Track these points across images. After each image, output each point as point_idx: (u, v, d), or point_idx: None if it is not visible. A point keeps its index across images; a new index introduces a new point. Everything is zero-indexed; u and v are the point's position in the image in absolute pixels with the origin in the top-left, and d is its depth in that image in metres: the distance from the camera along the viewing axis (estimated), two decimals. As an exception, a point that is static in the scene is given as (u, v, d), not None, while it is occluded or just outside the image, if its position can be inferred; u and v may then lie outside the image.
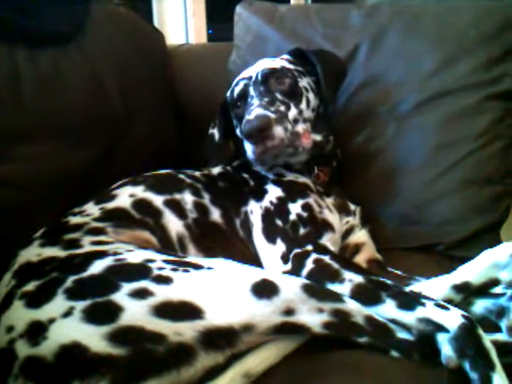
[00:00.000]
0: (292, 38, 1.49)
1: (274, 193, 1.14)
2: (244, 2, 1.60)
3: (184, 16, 2.48)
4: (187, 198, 1.12)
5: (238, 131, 1.28)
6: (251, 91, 1.18)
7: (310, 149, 1.16)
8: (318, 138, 1.23)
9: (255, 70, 1.23)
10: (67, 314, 0.73)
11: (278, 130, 1.06)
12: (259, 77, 1.19)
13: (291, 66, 1.24)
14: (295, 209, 1.09)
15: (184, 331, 0.73)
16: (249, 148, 1.10)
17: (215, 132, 1.32)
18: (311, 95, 1.22)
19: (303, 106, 1.18)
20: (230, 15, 1.63)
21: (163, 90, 1.63)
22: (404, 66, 1.36)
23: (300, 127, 1.14)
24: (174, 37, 2.39)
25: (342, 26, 1.46)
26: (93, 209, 1.04)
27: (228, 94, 1.30)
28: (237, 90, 1.23)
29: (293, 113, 1.14)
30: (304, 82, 1.23)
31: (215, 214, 1.12)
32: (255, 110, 1.07)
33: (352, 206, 1.24)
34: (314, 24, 1.49)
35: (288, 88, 1.18)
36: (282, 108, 1.12)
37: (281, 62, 1.25)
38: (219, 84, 1.61)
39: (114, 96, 1.38)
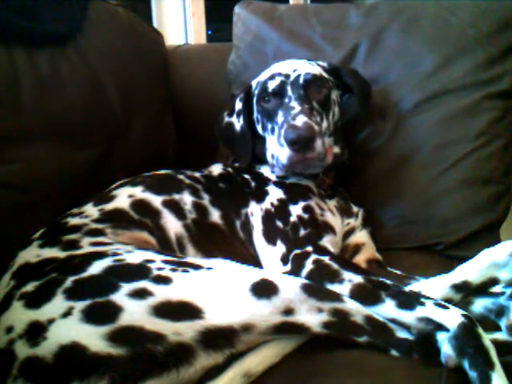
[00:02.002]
0: (291, 37, 1.49)
1: (275, 194, 1.14)
2: (243, 2, 1.60)
3: (183, 17, 2.49)
4: (186, 199, 1.12)
5: (258, 127, 1.24)
6: (289, 91, 1.15)
7: (330, 162, 1.15)
8: (336, 150, 1.22)
9: (293, 68, 1.19)
10: (66, 314, 0.73)
11: (319, 144, 1.05)
12: (301, 80, 1.16)
13: (326, 76, 1.22)
14: (296, 210, 1.09)
15: (183, 331, 0.73)
16: (283, 153, 1.07)
17: (234, 121, 1.28)
18: (336, 109, 1.22)
19: (330, 119, 1.18)
20: (229, 16, 1.62)
21: (162, 90, 1.63)
22: (403, 65, 1.36)
23: (326, 142, 1.13)
24: (173, 37, 2.40)
25: (341, 25, 1.46)
26: (92, 210, 1.04)
27: (255, 83, 1.27)
28: (272, 84, 1.18)
29: (324, 125, 1.14)
30: (334, 95, 1.22)
31: (215, 215, 1.12)
32: (300, 117, 1.04)
33: (355, 208, 1.24)
34: (312, 24, 1.49)
35: (323, 98, 1.17)
36: (318, 119, 1.12)
37: (318, 68, 1.23)
38: (218, 84, 1.62)
39: (113, 97, 1.38)
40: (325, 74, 1.22)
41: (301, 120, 1.04)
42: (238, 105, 1.28)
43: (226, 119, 1.30)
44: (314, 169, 1.15)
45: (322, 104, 1.16)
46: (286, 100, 1.13)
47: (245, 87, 1.31)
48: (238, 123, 1.27)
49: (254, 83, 1.28)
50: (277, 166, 1.14)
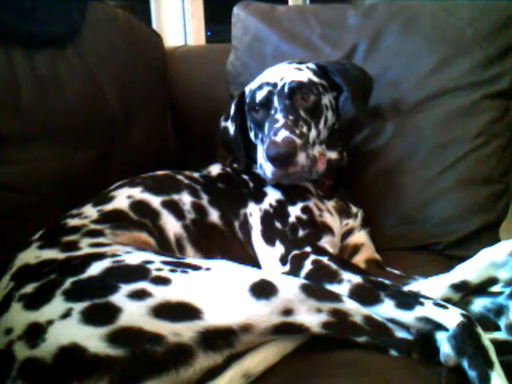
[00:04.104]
0: (290, 38, 1.49)
1: (273, 195, 1.14)
2: (241, 3, 1.60)
3: (182, 18, 2.48)
4: (185, 199, 1.12)
5: (251, 134, 1.24)
6: (275, 102, 1.13)
7: (323, 170, 1.14)
8: (333, 155, 1.21)
9: (280, 76, 1.17)
10: (66, 315, 0.73)
11: (302, 157, 1.04)
12: (285, 89, 1.13)
13: (316, 80, 1.19)
14: (295, 211, 1.09)
15: (182, 332, 0.73)
16: (267, 168, 1.07)
17: (229, 125, 1.28)
18: (330, 113, 1.20)
19: (321, 125, 1.16)
20: (228, 17, 1.63)
21: (161, 91, 1.63)
22: (402, 65, 1.36)
23: (316, 150, 1.12)
24: (172, 38, 2.39)
25: (340, 26, 1.47)
26: (90, 211, 1.04)
27: (247, 91, 1.26)
28: (259, 95, 1.17)
29: (312, 135, 1.12)
30: (326, 100, 1.19)
31: (214, 216, 1.12)
32: (282, 131, 1.04)
33: (354, 209, 1.24)
34: (311, 24, 1.49)
35: (312, 106, 1.14)
36: (305, 129, 1.10)
37: (307, 73, 1.19)
38: (217, 85, 1.62)
39: (112, 98, 1.38)
40: (315, 78, 1.19)
41: (281, 135, 1.03)
42: (233, 110, 1.28)
43: (222, 124, 1.31)
44: (303, 179, 1.15)
45: (311, 112, 1.14)
46: (272, 112, 1.12)
47: (238, 94, 1.31)
48: (231, 128, 1.27)
49: (247, 90, 1.27)
50: (264, 176, 1.13)
